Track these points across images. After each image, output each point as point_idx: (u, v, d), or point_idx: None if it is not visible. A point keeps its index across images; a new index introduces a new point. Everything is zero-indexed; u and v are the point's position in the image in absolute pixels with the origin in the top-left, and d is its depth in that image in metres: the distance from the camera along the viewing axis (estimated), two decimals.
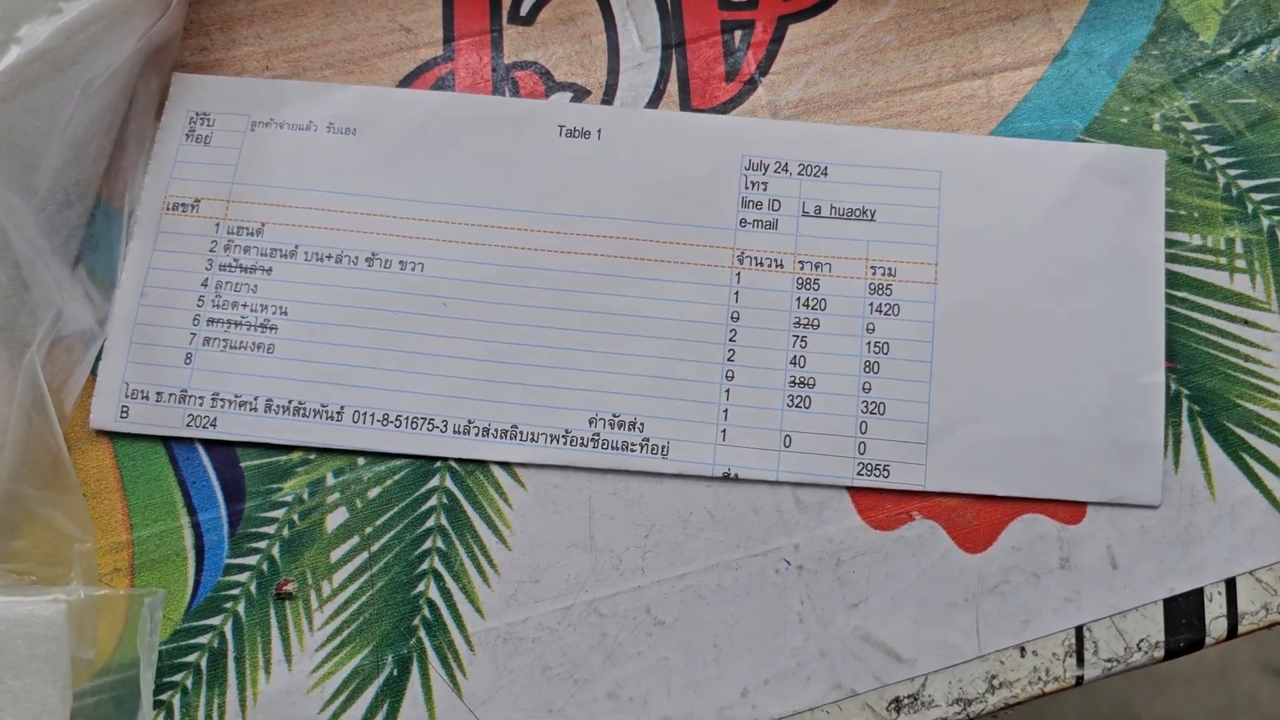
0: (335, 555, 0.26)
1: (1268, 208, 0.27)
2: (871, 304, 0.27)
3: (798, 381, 0.26)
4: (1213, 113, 0.28)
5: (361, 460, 0.26)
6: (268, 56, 0.30)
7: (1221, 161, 0.28)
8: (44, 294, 0.26)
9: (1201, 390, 0.26)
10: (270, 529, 0.26)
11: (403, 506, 0.26)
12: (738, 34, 0.29)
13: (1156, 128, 0.28)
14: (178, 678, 0.25)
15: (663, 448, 0.26)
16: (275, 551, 0.26)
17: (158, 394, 0.26)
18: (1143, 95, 0.28)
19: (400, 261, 0.27)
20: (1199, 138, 0.28)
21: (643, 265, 0.27)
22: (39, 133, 0.25)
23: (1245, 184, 0.27)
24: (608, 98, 0.29)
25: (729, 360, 0.26)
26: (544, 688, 0.25)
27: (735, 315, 0.27)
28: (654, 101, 0.29)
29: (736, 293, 0.27)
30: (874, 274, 0.27)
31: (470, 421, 0.26)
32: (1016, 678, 0.25)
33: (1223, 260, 0.27)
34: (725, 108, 0.29)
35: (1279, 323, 0.27)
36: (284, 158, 0.28)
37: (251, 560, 0.26)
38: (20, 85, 0.24)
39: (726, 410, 0.26)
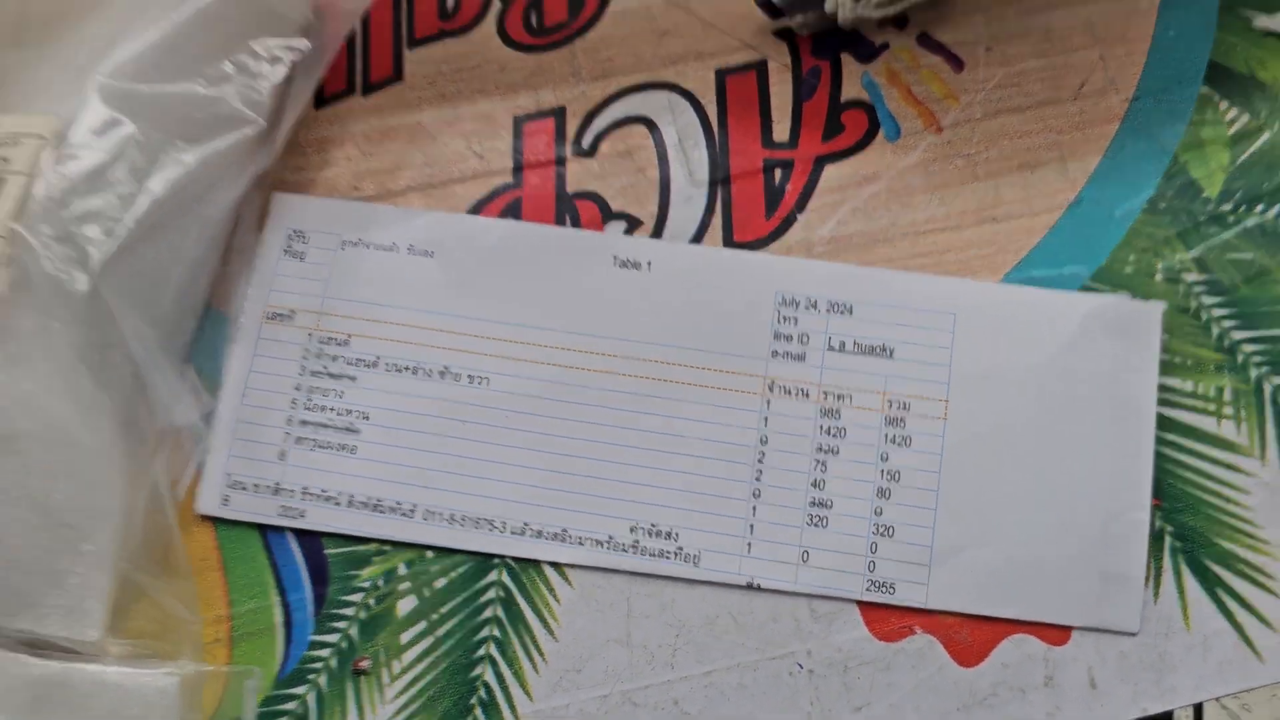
0: (405, 637, 0.29)
1: (1257, 359, 0.30)
2: (886, 435, 0.30)
3: (817, 503, 0.29)
4: (1212, 266, 0.31)
5: (430, 554, 0.30)
6: (357, 177, 0.33)
7: (1217, 313, 0.30)
8: (159, 393, 0.30)
9: (1184, 527, 0.29)
10: (349, 611, 0.30)
11: (465, 597, 0.30)
12: (778, 172, 0.32)
13: (1159, 277, 0.31)
14: None
15: (694, 557, 0.29)
16: (353, 631, 0.29)
17: (255, 485, 0.30)
18: (1147, 246, 0.31)
19: (469, 375, 0.31)
20: (1197, 289, 0.30)
21: (683, 389, 0.30)
22: (163, 262, 0.29)
23: (1237, 335, 0.30)
24: (658, 229, 0.32)
25: (757, 480, 0.30)
26: None
27: (764, 439, 0.30)
28: (700, 233, 0.32)
29: (766, 418, 0.30)
30: (890, 407, 0.30)
31: (526, 524, 0.30)
32: None
33: (1212, 407, 0.30)
34: (764, 241, 0.32)
35: (1260, 468, 0.29)
36: (369, 276, 0.32)
37: (333, 638, 0.29)
38: (149, 229, 0.28)
39: (752, 525, 0.29)
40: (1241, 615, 0.28)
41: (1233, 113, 0.32)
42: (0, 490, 0.27)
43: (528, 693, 0.29)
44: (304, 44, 0.30)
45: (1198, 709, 0.28)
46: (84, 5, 0.30)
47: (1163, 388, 0.29)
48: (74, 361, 0.27)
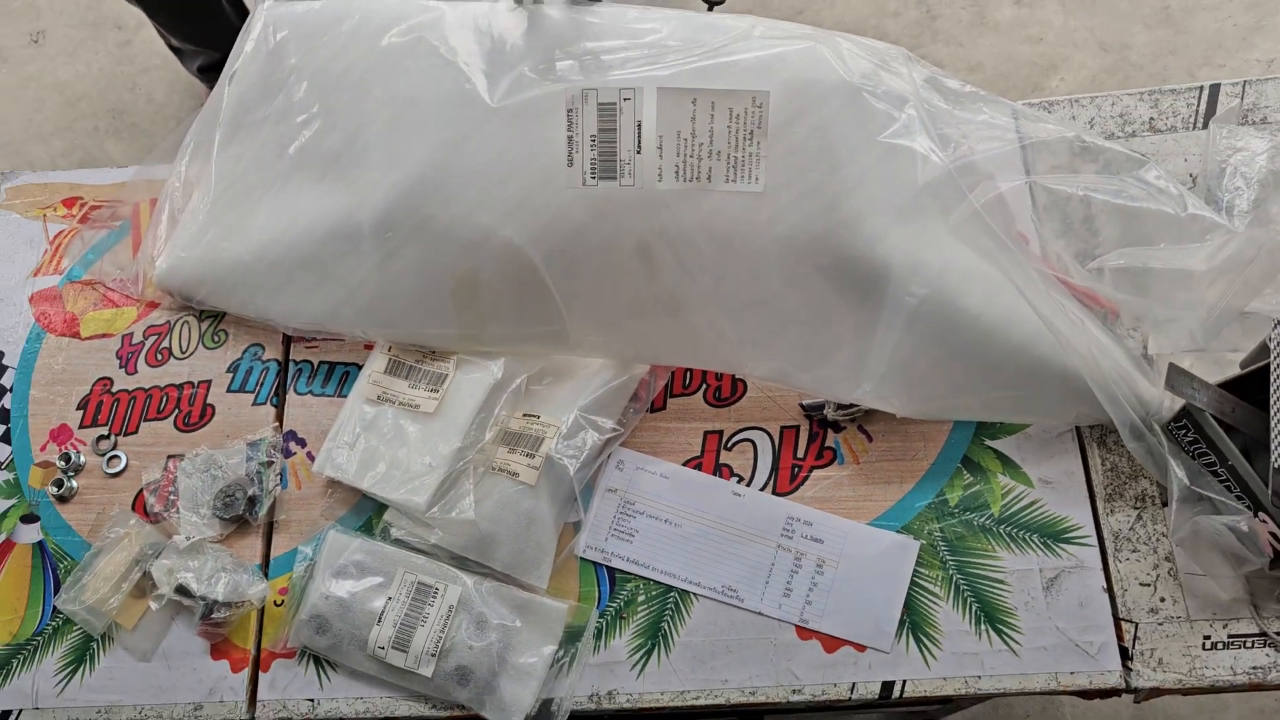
0: (638, 595, 0.84)
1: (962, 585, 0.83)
2: None
3: None
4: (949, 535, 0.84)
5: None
6: None
7: (946, 558, 0.84)
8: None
9: None
10: (626, 590, 0.85)
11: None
12: (794, 469, 0.88)
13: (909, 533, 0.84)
14: None
15: None
16: (625, 595, 0.85)
17: (600, 549, 0.87)
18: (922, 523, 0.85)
19: None
20: (941, 545, 0.84)
21: None
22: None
23: (955, 575, 0.83)
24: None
25: None
26: None
27: None
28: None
29: None
30: None
31: None
32: None
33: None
34: (788, 493, 0.87)
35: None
36: None
37: (616, 602, 0.85)
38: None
39: None
40: None
41: (968, 479, 0.86)
42: (521, 514, 0.84)
43: None
44: None
45: None
46: (571, 367, 0.89)
47: None
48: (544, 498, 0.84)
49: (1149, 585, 0.82)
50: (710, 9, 0.94)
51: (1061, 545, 0.83)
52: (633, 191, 0.78)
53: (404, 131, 0.81)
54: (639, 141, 0.77)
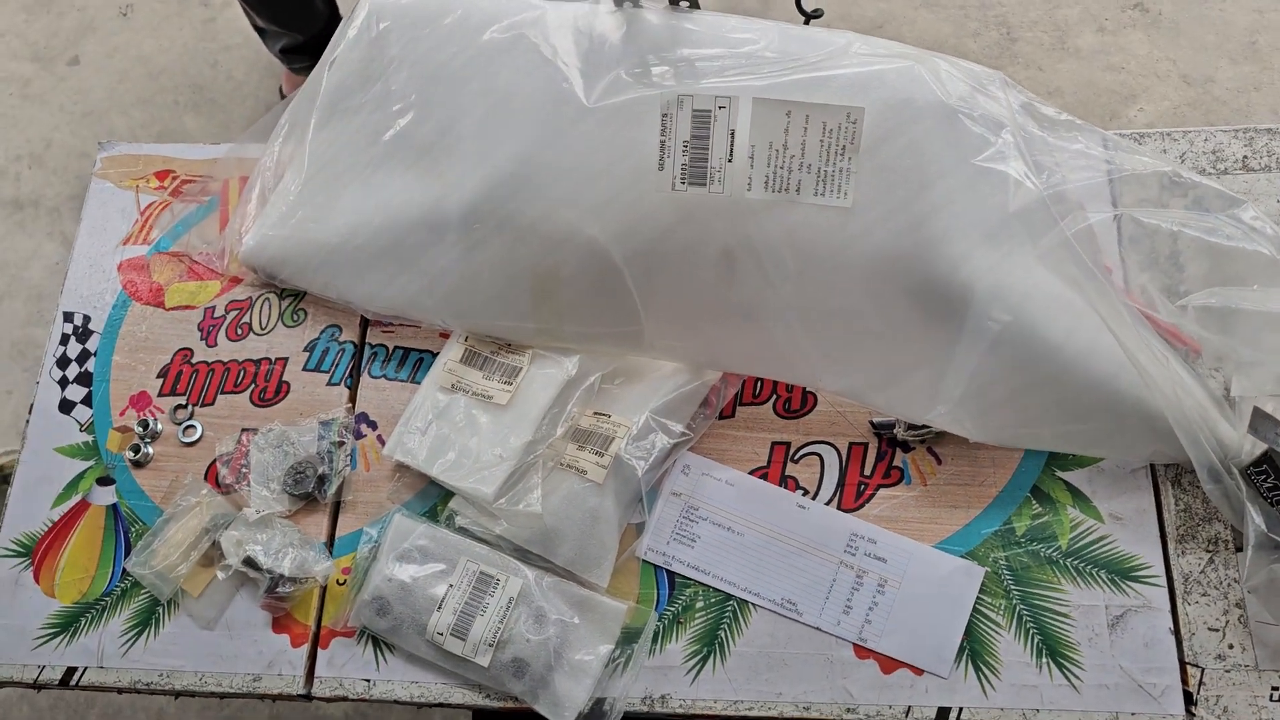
0: (698, 602, 0.85)
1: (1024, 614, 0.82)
2: None
3: None
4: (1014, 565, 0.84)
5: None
6: None
7: (1009, 585, 0.83)
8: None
9: None
10: (685, 595, 0.85)
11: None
12: (861, 486, 0.88)
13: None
14: None
15: None
16: (683, 601, 0.85)
17: (663, 552, 0.87)
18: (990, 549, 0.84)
19: None
20: (1005, 574, 0.83)
21: None
22: None
23: (1016, 599, 0.83)
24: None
25: None
26: None
27: None
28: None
29: None
30: None
31: None
32: None
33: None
34: (853, 510, 0.87)
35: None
36: None
37: (675, 606, 0.85)
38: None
39: None
40: None
41: (1037, 509, 0.85)
42: (587, 512, 0.84)
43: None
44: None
45: None
46: (644, 368, 0.89)
47: None
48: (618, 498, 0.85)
49: (1218, 631, 0.81)
50: (806, 22, 0.94)
51: (1129, 583, 0.82)
52: (721, 199, 0.78)
53: (498, 126, 0.82)
54: (731, 150, 0.77)
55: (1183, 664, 0.80)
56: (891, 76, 0.77)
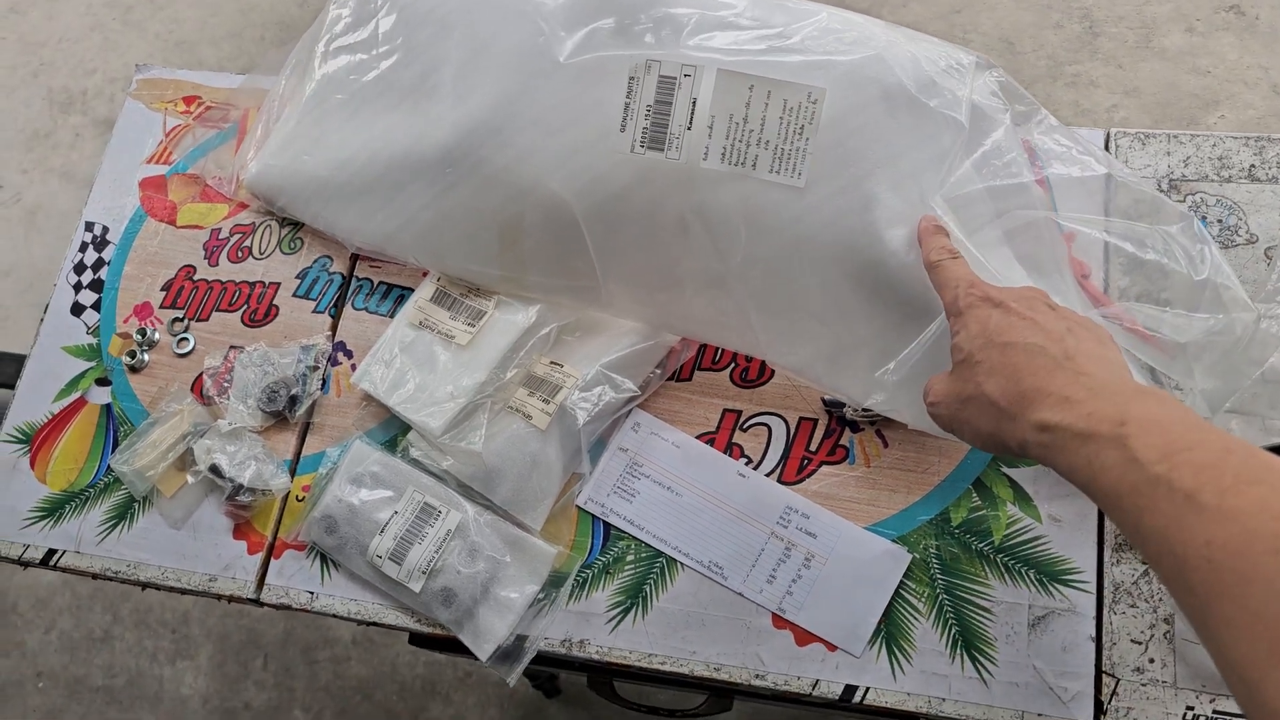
0: (626, 556, 0.87)
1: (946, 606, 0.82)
2: None
3: None
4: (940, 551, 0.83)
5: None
6: None
7: (938, 576, 0.83)
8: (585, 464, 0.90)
9: None
10: (618, 546, 0.88)
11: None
12: (805, 460, 0.88)
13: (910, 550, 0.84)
14: None
15: None
16: (614, 553, 0.87)
17: (598, 501, 0.89)
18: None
19: None
20: (933, 563, 0.83)
21: None
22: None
23: (944, 599, 0.83)
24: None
25: None
26: None
27: None
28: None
29: None
30: None
31: None
32: None
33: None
34: (793, 484, 0.88)
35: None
36: None
37: (606, 557, 0.87)
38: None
39: None
40: None
41: (976, 502, 0.85)
42: (528, 455, 0.87)
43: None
44: None
45: None
46: (605, 324, 0.91)
47: None
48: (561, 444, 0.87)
49: (1140, 644, 0.79)
50: None
51: (1057, 585, 0.81)
52: (677, 165, 0.79)
53: (475, 73, 0.85)
54: (691, 118, 0.78)
55: (1099, 672, 0.79)
56: (857, 57, 0.77)
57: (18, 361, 1.06)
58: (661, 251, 0.83)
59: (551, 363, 0.89)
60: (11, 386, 1.03)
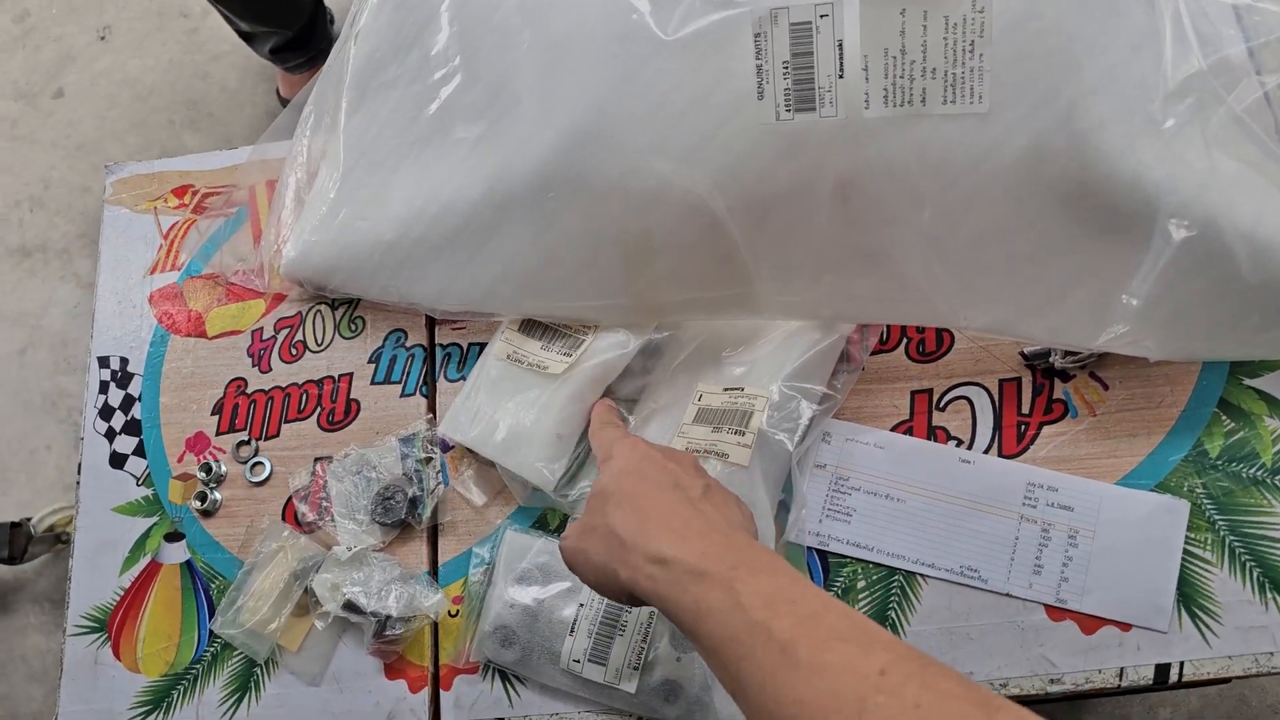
0: None
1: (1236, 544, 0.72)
2: None
3: None
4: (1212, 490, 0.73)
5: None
6: None
7: (1211, 513, 0.72)
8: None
9: None
10: None
11: None
12: (1021, 427, 0.77)
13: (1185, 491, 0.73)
14: None
15: None
16: None
17: None
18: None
19: None
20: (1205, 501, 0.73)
21: None
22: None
23: (1218, 519, 0.72)
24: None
25: None
26: None
27: None
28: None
29: None
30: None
31: None
32: None
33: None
34: (1016, 455, 0.76)
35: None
36: None
37: None
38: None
39: None
40: None
41: (1230, 425, 0.74)
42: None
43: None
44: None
45: None
46: (745, 334, 0.78)
47: None
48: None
49: None
50: None
51: None
52: (834, 123, 0.67)
53: (559, 77, 0.71)
54: (841, 64, 0.66)
55: None
56: None
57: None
58: (825, 229, 0.71)
59: (726, 389, 0.76)
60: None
